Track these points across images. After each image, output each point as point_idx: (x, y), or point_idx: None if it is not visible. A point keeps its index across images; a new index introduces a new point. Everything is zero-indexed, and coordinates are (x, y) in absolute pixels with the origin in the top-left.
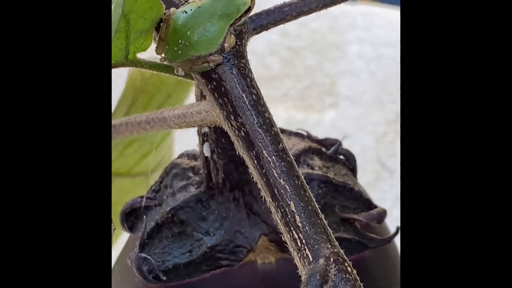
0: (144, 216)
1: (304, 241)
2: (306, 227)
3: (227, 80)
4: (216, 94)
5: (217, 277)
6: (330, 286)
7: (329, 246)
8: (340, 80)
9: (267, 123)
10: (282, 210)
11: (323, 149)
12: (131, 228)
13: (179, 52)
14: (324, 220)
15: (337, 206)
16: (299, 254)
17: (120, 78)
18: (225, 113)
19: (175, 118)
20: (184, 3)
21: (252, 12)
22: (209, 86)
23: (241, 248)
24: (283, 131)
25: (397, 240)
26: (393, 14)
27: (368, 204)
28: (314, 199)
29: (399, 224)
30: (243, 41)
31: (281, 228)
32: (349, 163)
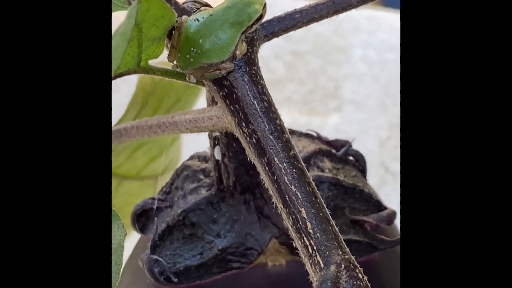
0: (155, 218)
1: (315, 248)
2: (317, 234)
3: (238, 87)
4: (227, 101)
5: (228, 279)
6: None
7: (340, 253)
8: (344, 84)
9: (279, 129)
10: (293, 216)
11: (333, 151)
12: (142, 230)
13: (191, 59)
14: (335, 227)
15: (347, 208)
16: (310, 261)
17: (125, 82)
18: (236, 119)
19: (186, 122)
20: (196, 11)
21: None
22: (220, 93)
23: (251, 251)
24: (292, 132)
25: None
26: (397, 19)
27: (378, 206)
28: (325, 206)
29: None
30: (255, 48)
31: (292, 234)
32: (359, 164)
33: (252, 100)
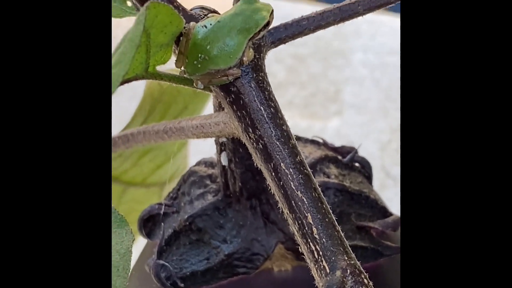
0: (162, 223)
1: (321, 253)
2: (323, 239)
3: (245, 93)
4: (234, 107)
5: (234, 285)
6: None
7: (346, 258)
8: (345, 88)
9: (285, 135)
10: (300, 222)
11: (339, 157)
12: (149, 235)
13: (199, 65)
14: (341, 232)
15: (353, 214)
16: (316, 266)
17: (127, 85)
18: (243, 125)
19: (193, 128)
20: (204, 18)
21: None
22: (227, 99)
23: (258, 256)
24: (299, 138)
25: None
26: (398, 22)
27: (383, 212)
28: (331, 211)
29: None
30: (262, 54)
31: (298, 239)
32: (365, 170)
33: (259, 106)
